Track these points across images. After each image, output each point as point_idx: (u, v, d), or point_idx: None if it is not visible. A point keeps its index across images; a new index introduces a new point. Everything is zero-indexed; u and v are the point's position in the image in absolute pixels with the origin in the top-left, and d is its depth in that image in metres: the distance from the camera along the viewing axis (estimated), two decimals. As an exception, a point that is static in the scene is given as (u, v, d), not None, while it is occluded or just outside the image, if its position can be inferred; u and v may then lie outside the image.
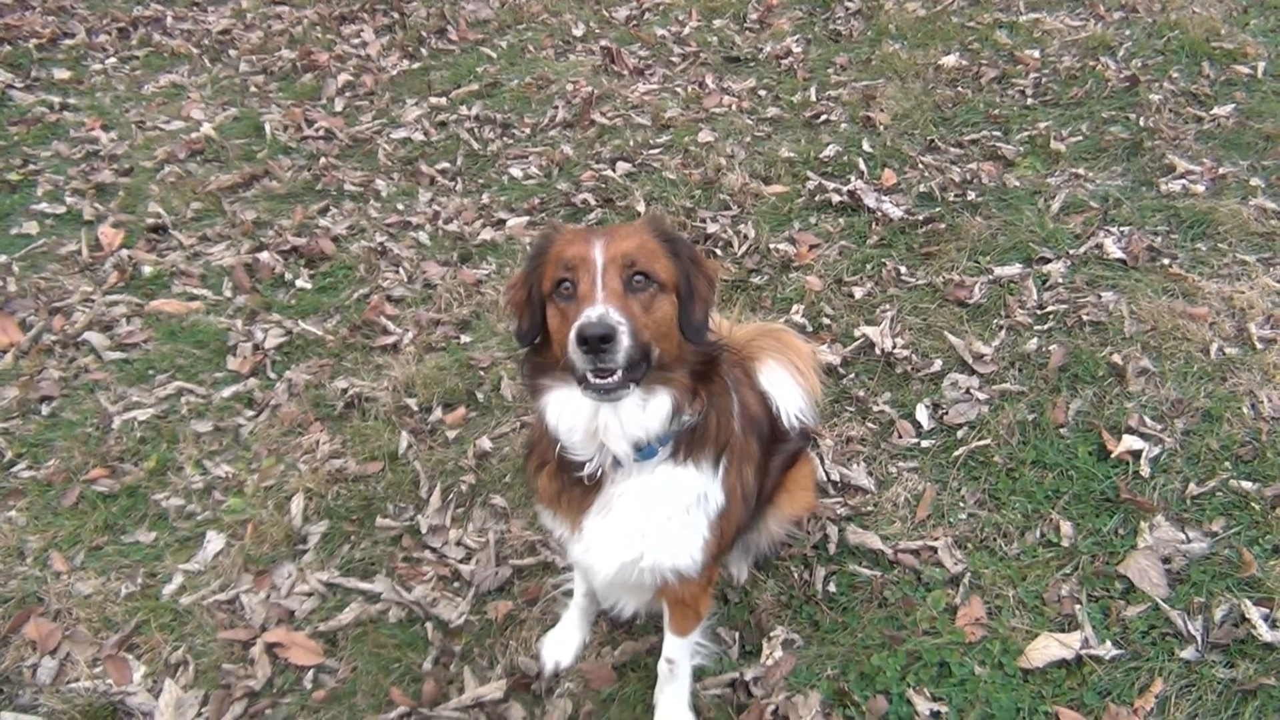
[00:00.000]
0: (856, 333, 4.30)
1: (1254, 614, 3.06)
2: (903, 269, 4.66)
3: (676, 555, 2.57)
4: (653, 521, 2.51)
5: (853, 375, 4.16)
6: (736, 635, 3.22)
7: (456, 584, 3.49)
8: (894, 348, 4.21)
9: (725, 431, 2.55)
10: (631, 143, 5.94)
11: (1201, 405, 3.84)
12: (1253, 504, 3.42)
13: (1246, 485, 3.48)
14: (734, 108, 6.26)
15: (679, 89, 6.57)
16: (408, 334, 4.61)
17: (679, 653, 2.93)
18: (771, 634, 3.19)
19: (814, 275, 4.67)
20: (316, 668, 3.26)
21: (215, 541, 3.69)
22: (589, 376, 2.12)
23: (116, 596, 3.51)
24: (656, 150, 5.87)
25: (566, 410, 2.34)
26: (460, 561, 3.55)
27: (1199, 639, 3.04)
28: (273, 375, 4.48)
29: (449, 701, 3.10)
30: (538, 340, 2.41)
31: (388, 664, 3.24)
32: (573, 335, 2.05)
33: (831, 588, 3.33)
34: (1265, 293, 4.30)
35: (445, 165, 5.97)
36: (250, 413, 4.29)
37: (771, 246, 4.86)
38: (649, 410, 2.31)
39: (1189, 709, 2.89)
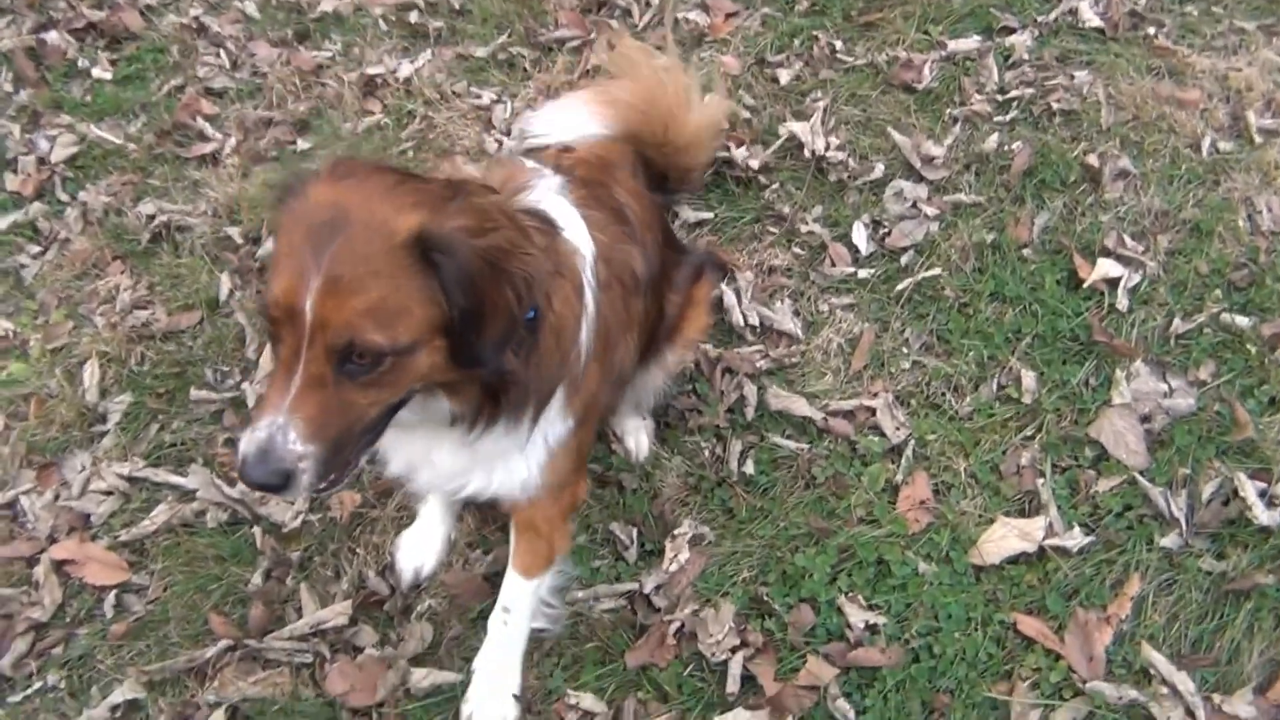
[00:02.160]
0: (781, 129, 3.52)
1: (1248, 489, 2.56)
2: (838, 44, 3.81)
3: (507, 485, 2.05)
4: (471, 463, 1.97)
5: (777, 185, 3.42)
6: (634, 533, 2.64)
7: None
8: (827, 148, 3.44)
9: (548, 384, 1.89)
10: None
11: (1189, 216, 3.21)
12: (1247, 345, 2.87)
13: (1240, 321, 2.92)
14: None
15: None
16: (230, 139, 3.69)
17: (519, 600, 2.33)
18: (677, 530, 2.62)
19: (730, 54, 3.81)
20: (119, 588, 2.64)
21: (-11, 424, 2.96)
22: None
23: None
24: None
25: None
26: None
27: (1183, 522, 2.55)
28: (64, 197, 3.59)
29: (283, 628, 2.52)
30: None
31: (206, 582, 2.62)
32: (238, 459, 1.55)
33: (749, 467, 2.74)
34: (1266, 70, 3.59)
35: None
36: (35, 249, 3.44)
37: (680, 16, 3.96)
38: (423, 409, 1.76)
39: (1169, 610, 2.44)
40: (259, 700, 2.43)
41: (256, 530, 2.70)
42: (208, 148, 3.68)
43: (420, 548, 2.64)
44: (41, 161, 3.68)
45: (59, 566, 2.67)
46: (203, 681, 2.48)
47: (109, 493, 2.81)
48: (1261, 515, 2.51)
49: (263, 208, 3.39)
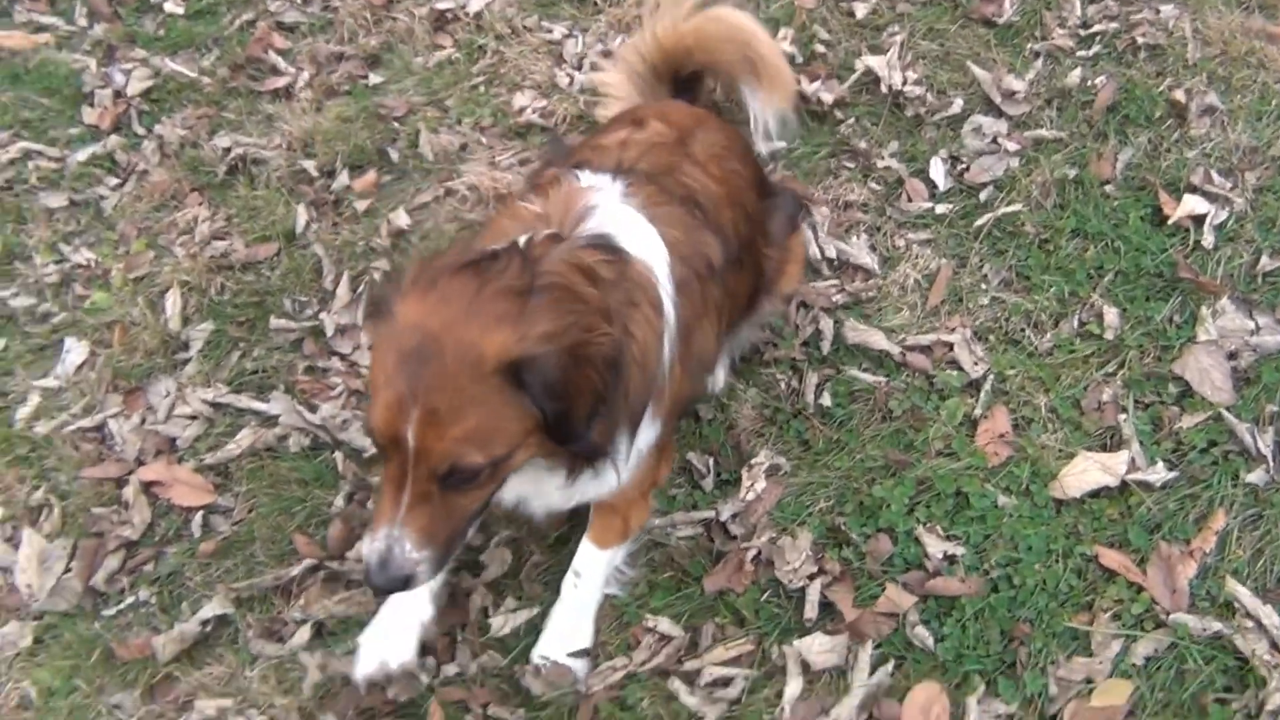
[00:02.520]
0: (857, 64, 3.46)
1: (1341, 426, 2.52)
2: (916, -24, 3.75)
3: (600, 492, 2.14)
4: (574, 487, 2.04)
5: (852, 120, 3.37)
6: (711, 462, 2.65)
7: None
8: (904, 83, 3.39)
9: (640, 407, 1.97)
10: None
11: (1279, 153, 3.12)
12: (1338, 282, 2.81)
13: (1332, 258, 2.85)
14: None
15: None
16: (303, 74, 3.71)
17: (591, 568, 2.35)
18: (753, 460, 2.62)
19: (807, -12, 3.75)
20: (206, 509, 2.70)
21: (76, 350, 3.03)
22: None
23: (-44, 422, 2.89)
24: None
25: None
26: (375, 371, 2.92)
27: (1269, 459, 2.51)
28: (140, 130, 3.64)
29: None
30: None
31: (290, 504, 2.68)
32: (363, 566, 1.80)
33: (826, 399, 2.74)
34: (1366, 1, 3.47)
35: None
36: (114, 181, 3.49)
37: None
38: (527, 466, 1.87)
39: (1254, 545, 2.41)
40: (343, 618, 2.49)
41: (338, 455, 2.75)
42: (280, 82, 3.70)
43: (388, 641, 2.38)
44: (117, 95, 3.72)
45: (147, 488, 2.73)
46: (288, 599, 2.54)
47: (193, 417, 2.87)
48: (1353, 452, 2.47)
49: (337, 141, 3.42)
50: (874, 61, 3.44)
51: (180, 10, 4.04)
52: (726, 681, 2.31)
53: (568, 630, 2.37)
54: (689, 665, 2.34)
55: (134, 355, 3.00)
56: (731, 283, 2.29)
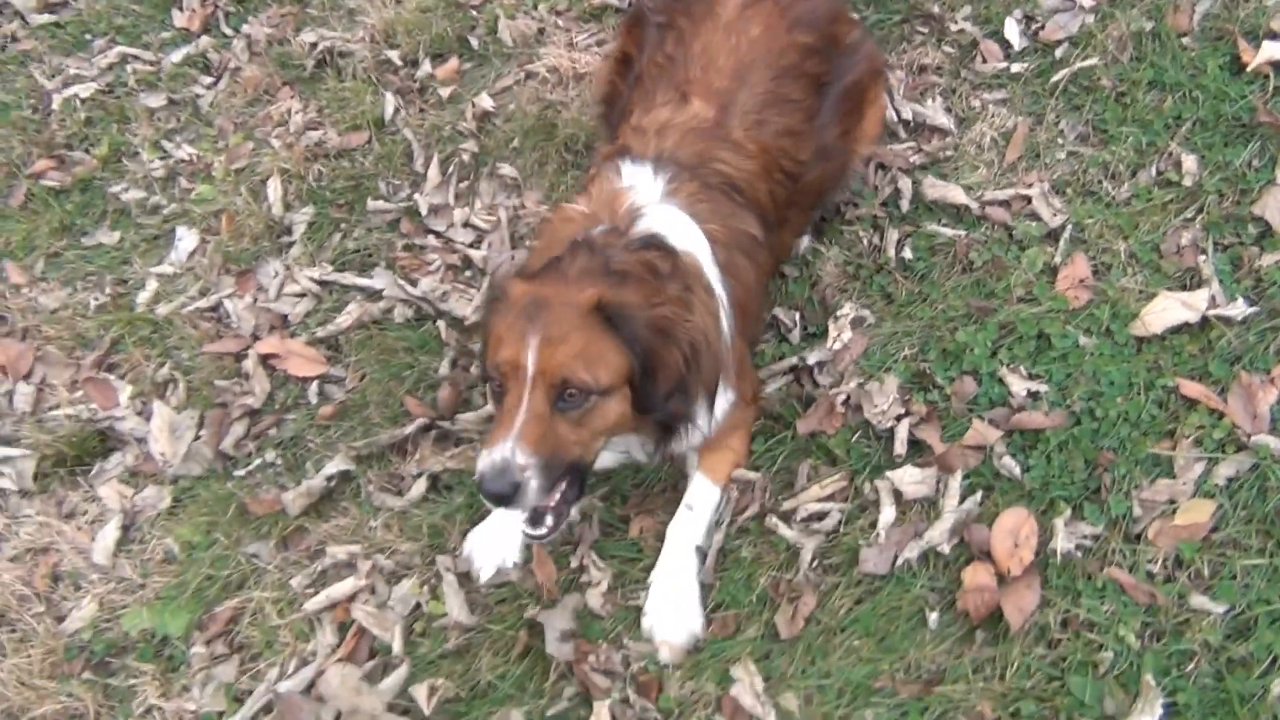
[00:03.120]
0: (928, -71, 3.47)
1: None
2: None
3: (691, 445, 2.36)
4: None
5: (923, -16, 3.39)
6: (797, 316, 2.77)
7: (468, 273, 3.03)
8: (976, -58, 3.40)
9: (713, 381, 2.24)
10: None
11: (1364, -6, 3.09)
12: None
13: None
14: None
15: None
16: (385, -36, 3.81)
17: (703, 499, 2.45)
18: (839, 312, 2.73)
19: None
20: (320, 378, 2.89)
21: (187, 238, 3.22)
22: (523, 525, 2.14)
23: (86, 309, 3.10)
24: None
25: None
26: (470, 246, 3.06)
27: (1350, 290, 2.56)
28: (228, 30, 3.78)
29: (472, 411, 2.73)
30: None
31: (398, 370, 2.85)
32: (476, 479, 1.96)
33: (907, 253, 2.83)
34: None
35: None
36: (208, 80, 3.66)
37: None
38: (618, 446, 2.26)
39: (1334, 372, 2.46)
40: (456, 471, 2.66)
41: (440, 324, 2.91)
42: (364, -27, 3.80)
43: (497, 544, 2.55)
44: (204, -2, 3.87)
45: (264, 360, 2.93)
46: (404, 455, 2.72)
47: (302, 295, 3.04)
48: None
49: (418, 31, 3.52)
50: (942, -83, 3.44)
51: (257, -86, 4.13)
52: (822, 515, 2.45)
53: (674, 582, 2.36)
54: (786, 505, 2.48)
55: (241, 240, 3.18)
56: (787, 215, 2.59)
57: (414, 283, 2.98)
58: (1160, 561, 2.28)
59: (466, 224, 3.10)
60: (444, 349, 2.86)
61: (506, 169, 3.19)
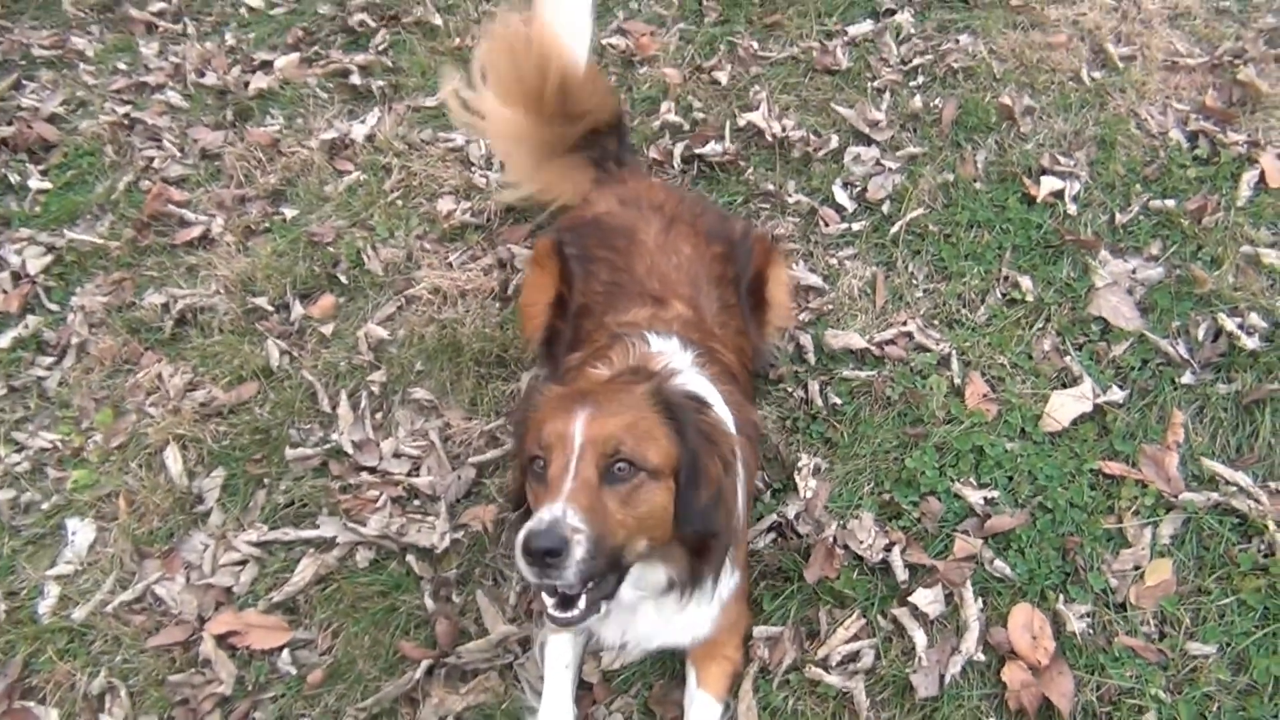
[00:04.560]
0: (740, 120, 3.90)
1: (1229, 324, 3.12)
2: (755, 45, 4.25)
3: (691, 636, 2.41)
4: (664, 626, 2.32)
5: (752, 169, 3.79)
6: (763, 476, 2.91)
7: (417, 501, 2.93)
8: (784, 130, 3.86)
9: (732, 537, 2.23)
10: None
11: (1093, 134, 3.81)
12: (1179, 220, 3.46)
13: (1168, 203, 3.51)
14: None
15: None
16: (215, 219, 3.71)
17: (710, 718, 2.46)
18: (799, 464, 2.91)
19: (668, 66, 4.17)
20: (288, 646, 2.65)
21: (82, 530, 2.89)
22: (549, 604, 1.94)
23: (-23, 635, 2.67)
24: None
25: None
26: (410, 475, 2.97)
27: (1191, 362, 3.08)
28: (53, 306, 3.49)
29: (473, 641, 2.61)
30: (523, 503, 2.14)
31: (379, 616, 2.68)
32: (519, 540, 1.81)
33: (834, 399, 3.07)
34: (1104, 11, 4.29)
35: (160, 5, 4.78)
36: (47, 360, 3.34)
37: (604, 43, 4.29)
38: (641, 581, 2.13)
39: (1209, 430, 2.94)
40: (478, 707, 2.52)
41: (409, 558, 2.78)
42: (194, 232, 3.68)
43: None
44: (17, 276, 3.56)
45: (221, 640, 2.65)
46: (414, 706, 2.54)
47: (243, 562, 2.81)
48: (1248, 342, 3.06)
49: (278, 275, 3.44)
50: (752, 116, 3.89)
51: (48, 185, 3.91)
52: (856, 655, 2.55)
53: None
54: (820, 653, 2.56)
55: (149, 520, 2.89)
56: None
57: (364, 523, 2.83)
58: (1150, 621, 2.58)
59: (397, 454, 3.01)
60: (420, 583, 2.73)
61: (420, 392, 3.15)
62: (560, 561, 1.79)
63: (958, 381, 3.11)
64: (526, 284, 2.98)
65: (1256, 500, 2.74)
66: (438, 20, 4.44)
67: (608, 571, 1.93)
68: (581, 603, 1.93)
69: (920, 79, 4.07)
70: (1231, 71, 3.89)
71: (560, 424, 1.92)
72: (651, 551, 2.04)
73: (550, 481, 1.89)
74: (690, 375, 2.30)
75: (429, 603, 2.69)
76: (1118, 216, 3.51)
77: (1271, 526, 2.66)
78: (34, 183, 3.90)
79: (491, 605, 2.68)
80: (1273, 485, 2.78)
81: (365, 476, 2.96)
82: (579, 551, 1.80)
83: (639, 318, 2.56)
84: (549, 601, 1.94)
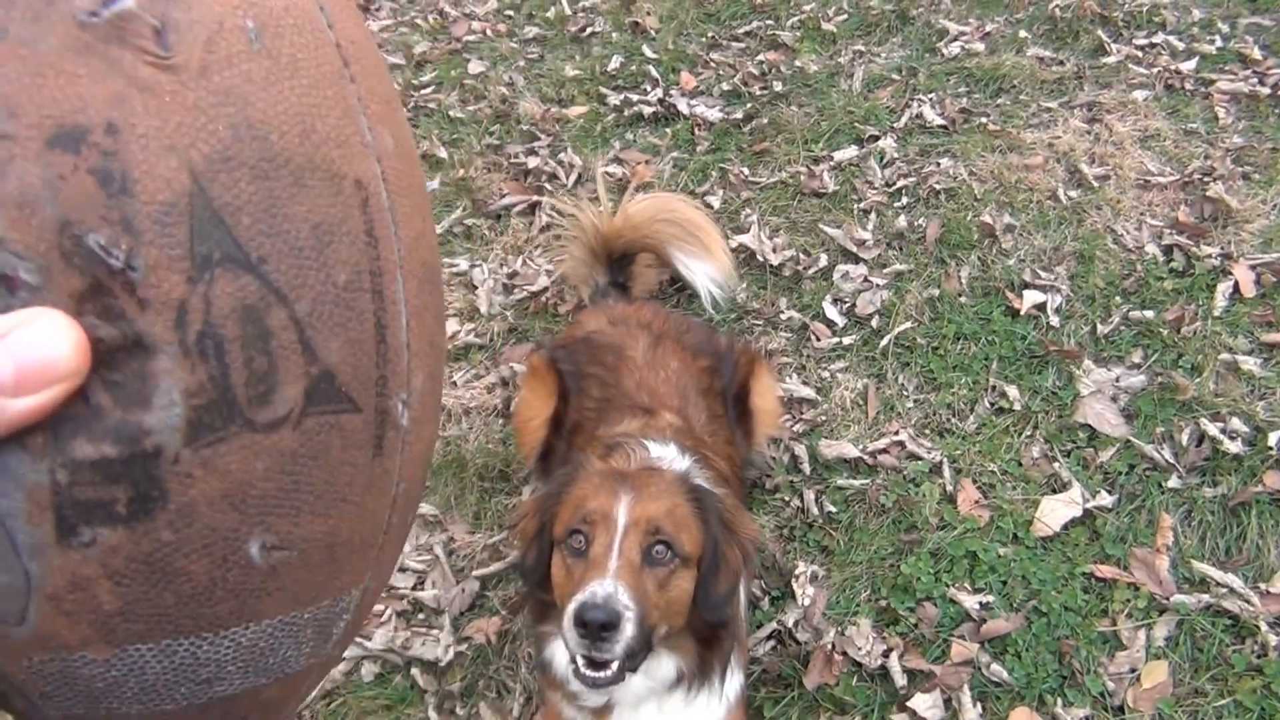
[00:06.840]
0: (732, 242, 4.07)
1: (1213, 429, 3.21)
2: (745, 171, 4.47)
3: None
4: None
5: (744, 287, 3.94)
6: (760, 584, 2.96)
7: (422, 615, 2.97)
8: (774, 250, 4.03)
9: (738, 635, 2.35)
10: (397, 83, 5.29)
11: (1072, 249, 3.97)
12: (1158, 330, 3.59)
13: (1147, 314, 3.64)
14: (487, 32, 5.74)
15: (418, 21, 5.93)
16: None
17: None
18: (796, 572, 2.96)
19: (663, 192, 4.37)
20: (292, 763, 2.65)
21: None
22: (580, 663, 1.95)
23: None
24: (427, 90, 5.27)
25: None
26: (414, 589, 3.02)
27: (1177, 466, 3.15)
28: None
29: (480, 749, 2.63)
30: (542, 579, 2.18)
31: (384, 731, 2.70)
32: (571, 611, 1.87)
33: (830, 508, 3.14)
34: (1077, 134, 4.51)
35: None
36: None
37: (603, 171, 4.50)
38: (651, 673, 2.17)
39: (1198, 533, 2.99)
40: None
41: (414, 671, 2.81)
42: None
43: None
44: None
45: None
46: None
47: (247, 678, 2.82)
48: (1231, 446, 3.15)
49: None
50: (744, 238, 4.07)
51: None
52: (857, 763, 2.57)
53: None
54: (821, 762, 2.58)
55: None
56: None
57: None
58: (1151, 724, 2.60)
59: (402, 568, 3.07)
60: (424, 696, 2.75)
61: (425, 507, 3.22)
62: (614, 635, 1.84)
63: (950, 489, 3.18)
64: (522, 401, 3.08)
65: (1248, 601, 2.78)
66: (443, 153, 4.68)
67: (640, 649, 1.98)
68: (614, 665, 1.96)
69: (904, 200, 4.26)
70: (1202, 189, 4.07)
71: (604, 502, 2.01)
72: (666, 638, 2.10)
73: (593, 559, 1.96)
74: (695, 479, 2.37)
75: (433, 716, 2.71)
76: (1099, 327, 3.64)
77: (1264, 627, 2.70)
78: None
79: (495, 717, 2.70)
80: (1263, 586, 2.83)
81: (369, 591, 3.00)
82: (629, 629, 1.86)
83: (631, 428, 2.64)
84: (581, 662, 1.97)
